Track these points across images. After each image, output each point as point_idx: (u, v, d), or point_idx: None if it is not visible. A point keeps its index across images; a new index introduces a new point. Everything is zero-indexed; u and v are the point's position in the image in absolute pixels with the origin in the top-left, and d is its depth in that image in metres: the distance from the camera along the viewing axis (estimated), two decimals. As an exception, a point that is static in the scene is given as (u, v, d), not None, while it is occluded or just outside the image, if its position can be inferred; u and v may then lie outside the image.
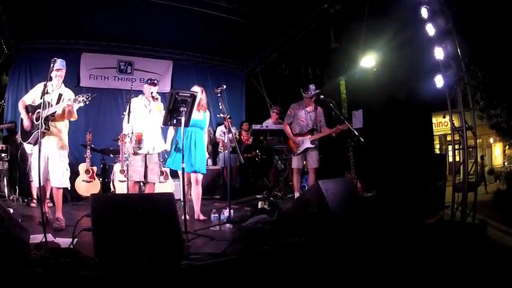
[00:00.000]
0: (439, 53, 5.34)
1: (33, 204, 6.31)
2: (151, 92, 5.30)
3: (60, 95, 4.82)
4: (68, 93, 4.92)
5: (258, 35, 8.45)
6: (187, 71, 10.24)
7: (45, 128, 4.45)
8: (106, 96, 9.20)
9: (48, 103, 4.56)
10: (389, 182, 6.35)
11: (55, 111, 4.61)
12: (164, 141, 5.44)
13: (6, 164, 7.06)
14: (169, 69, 9.99)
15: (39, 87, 4.75)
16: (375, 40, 6.97)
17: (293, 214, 4.03)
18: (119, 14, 7.61)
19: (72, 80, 7.23)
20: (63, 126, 4.88)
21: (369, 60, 7.24)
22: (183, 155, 4.22)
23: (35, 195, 6.42)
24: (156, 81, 5.51)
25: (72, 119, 4.88)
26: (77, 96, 4.49)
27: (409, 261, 3.49)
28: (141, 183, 5.66)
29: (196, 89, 5.06)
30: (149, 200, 3.39)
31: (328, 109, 6.17)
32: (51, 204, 5.70)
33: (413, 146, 6.57)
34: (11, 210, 4.68)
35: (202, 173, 5.33)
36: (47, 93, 4.57)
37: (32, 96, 4.87)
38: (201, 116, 5.32)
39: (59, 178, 4.76)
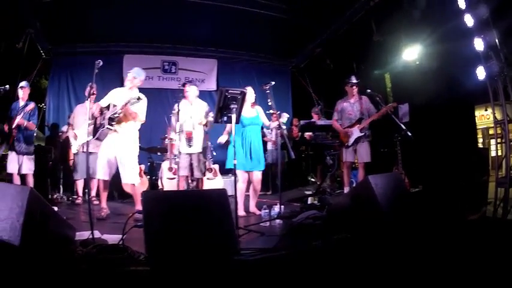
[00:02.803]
0: (478, 44, 5.18)
1: (78, 201, 6.49)
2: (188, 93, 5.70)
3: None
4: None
5: (299, 30, 8.37)
6: (233, 69, 10.18)
7: (108, 128, 4.88)
8: (151, 96, 9.21)
9: (114, 105, 4.88)
10: (434, 177, 6.20)
11: (116, 113, 4.84)
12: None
13: (50, 164, 7.27)
14: (214, 67, 9.99)
15: (113, 92, 5.21)
16: (416, 32, 6.82)
17: (343, 209, 3.98)
18: (158, 15, 7.66)
19: (115, 82, 7.29)
20: (128, 126, 5.09)
21: (411, 53, 7.09)
22: (234, 151, 4.22)
23: (80, 193, 6.59)
24: (195, 82, 5.75)
25: (138, 122, 5.12)
26: (128, 99, 4.74)
27: (452, 258, 3.36)
28: (190, 180, 6.26)
29: (247, 87, 5.16)
30: (201, 196, 3.36)
31: (375, 103, 6.11)
32: (97, 202, 5.84)
33: (457, 140, 6.37)
34: (56, 209, 4.86)
35: (261, 170, 5.46)
36: (92, 93, 4.76)
37: (107, 99, 5.15)
38: (254, 112, 5.40)
39: (126, 174, 5.02)
